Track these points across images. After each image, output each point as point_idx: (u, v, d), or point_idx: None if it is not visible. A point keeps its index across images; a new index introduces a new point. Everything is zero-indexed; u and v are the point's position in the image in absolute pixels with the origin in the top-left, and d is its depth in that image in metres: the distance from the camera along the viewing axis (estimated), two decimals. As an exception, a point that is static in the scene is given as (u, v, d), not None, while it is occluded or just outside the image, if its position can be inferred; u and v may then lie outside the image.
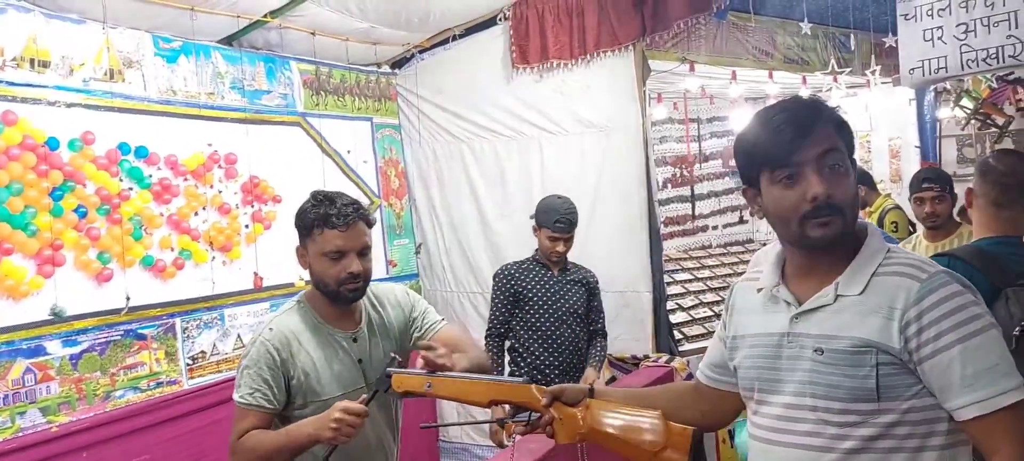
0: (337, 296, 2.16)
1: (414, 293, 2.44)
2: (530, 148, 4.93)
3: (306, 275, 2.26)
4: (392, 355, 2.08)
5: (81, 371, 3.58)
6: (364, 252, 2.17)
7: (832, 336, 1.42)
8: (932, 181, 3.80)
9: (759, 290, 1.58)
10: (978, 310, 1.37)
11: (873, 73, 5.58)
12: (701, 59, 4.94)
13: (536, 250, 3.77)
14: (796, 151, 1.41)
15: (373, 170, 5.18)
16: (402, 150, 5.43)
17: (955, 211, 3.95)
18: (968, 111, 9.12)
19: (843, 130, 1.47)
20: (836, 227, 1.42)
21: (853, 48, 5.82)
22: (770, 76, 5.56)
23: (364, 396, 1.98)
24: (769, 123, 1.48)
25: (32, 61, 3.46)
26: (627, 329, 4.51)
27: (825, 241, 1.43)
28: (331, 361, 2.18)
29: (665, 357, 4.39)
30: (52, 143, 3.52)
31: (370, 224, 2.20)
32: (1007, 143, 9.85)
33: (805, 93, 6.19)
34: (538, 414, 1.67)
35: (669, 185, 6.29)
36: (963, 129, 9.78)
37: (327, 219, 2.11)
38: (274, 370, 2.12)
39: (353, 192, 4.93)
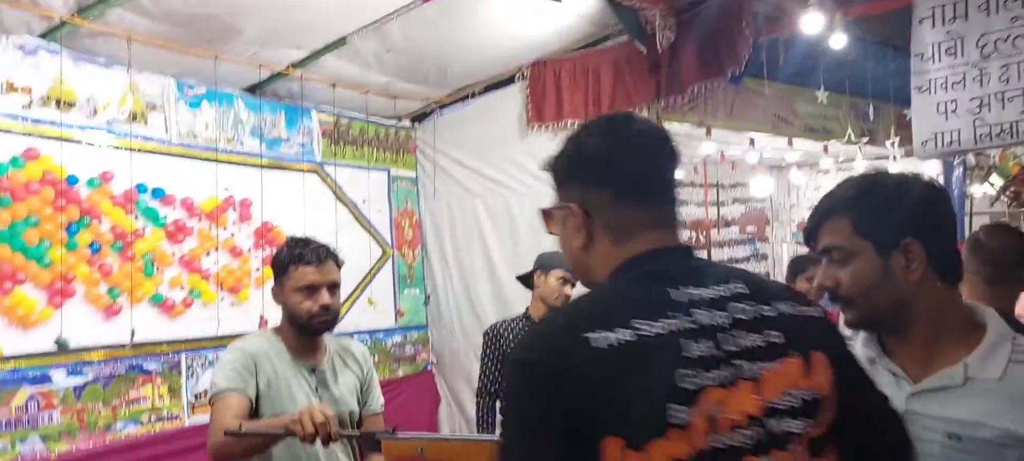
0: (308, 328, 2.32)
1: (371, 361, 2.56)
2: (542, 205, 4.94)
3: None
4: (392, 429, 2.13)
5: (84, 402, 3.66)
6: (333, 287, 2.33)
7: (971, 422, 1.30)
8: None
9: None
10: None
11: (892, 145, 5.53)
12: (717, 124, 4.95)
13: (527, 308, 3.76)
14: (814, 241, 1.50)
15: (387, 220, 5.26)
16: (417, 201, 5.51)
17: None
18: (997, 188, 8.93)
19: (865, 212, 1.42)
20: (849, 315, 1.45)
21: (872, 119, 5.77)
22: (789, 143, 5.55)
23: (341, 430, 2.03)
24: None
25: (58, 101, 3.63)
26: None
27: (849, 327, 1.47)
28: (289, 382, 2.30)
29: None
30: (71, 180, 3.66)
31: (339, 264, 2.37)
32: (1043, 222, 9.63)
33: (827, 163, 6.18)
34: None
35: (686, 248, 6.25)
36: (992, 206, 9.55)
37: (301, 257, 2.28)
38: (248, 365, 2.24)
39: (366, 241, 5.03)
